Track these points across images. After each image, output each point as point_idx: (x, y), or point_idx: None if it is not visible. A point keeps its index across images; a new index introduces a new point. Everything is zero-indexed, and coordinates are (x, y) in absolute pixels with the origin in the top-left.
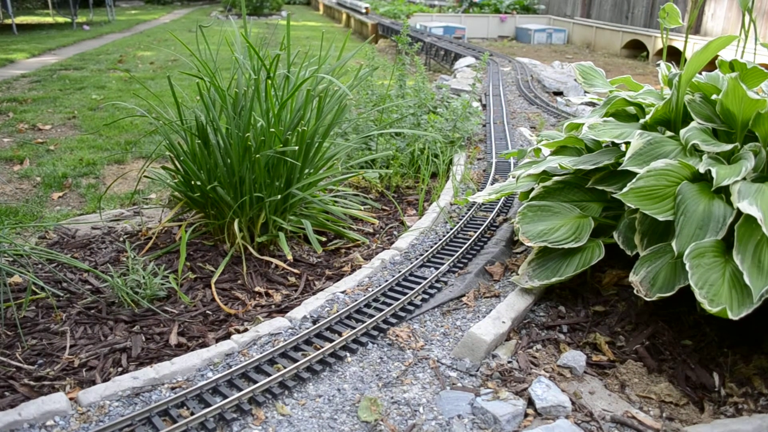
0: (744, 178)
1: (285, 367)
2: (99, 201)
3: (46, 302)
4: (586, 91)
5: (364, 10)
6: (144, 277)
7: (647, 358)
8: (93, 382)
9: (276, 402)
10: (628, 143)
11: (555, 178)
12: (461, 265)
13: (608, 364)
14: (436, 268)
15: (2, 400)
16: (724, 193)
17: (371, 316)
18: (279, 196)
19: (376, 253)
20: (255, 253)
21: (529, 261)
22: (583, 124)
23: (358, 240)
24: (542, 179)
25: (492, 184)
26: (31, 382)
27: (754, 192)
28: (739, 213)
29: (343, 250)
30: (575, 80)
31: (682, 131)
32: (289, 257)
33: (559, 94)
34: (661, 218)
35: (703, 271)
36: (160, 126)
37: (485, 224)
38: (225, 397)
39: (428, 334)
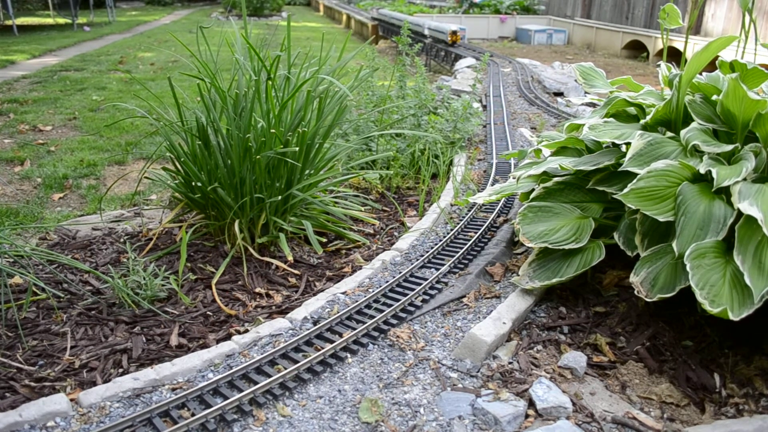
0: (744, 179)
1: (286, 368)
2: (99, 202)
3: (46, 303)
4: (586, 92)
5: (448, 37)
6: (144, 278)
7: (648, 359)
8: (94, 383)
9: (277, 403)
10: (628, 144)
11: (555, 179)
12: (462, 266)
13: (609, 364)
14: (437, 269)
15: (3, 401)
16: (724, 193)
17: (372, 316)
18: (279, 197)
19: (377, 254)
20: (255, 254)
21: (530, 262)
22: (583, 124)
23: (358, 241)
24: (543, 180)
25: (492, 184)
26: (32, 383)
27: (754, 193)
28: (740, 214)
29: (343, 251)
30: (576, 81)
31: (683, 132)
32: (290, 258)
33: (560, 94)
34: (661, 219)
35: (704, 271)
36: (160, 127)
37: (486, 225)
38: (226, 398)
39: (429, 335)
